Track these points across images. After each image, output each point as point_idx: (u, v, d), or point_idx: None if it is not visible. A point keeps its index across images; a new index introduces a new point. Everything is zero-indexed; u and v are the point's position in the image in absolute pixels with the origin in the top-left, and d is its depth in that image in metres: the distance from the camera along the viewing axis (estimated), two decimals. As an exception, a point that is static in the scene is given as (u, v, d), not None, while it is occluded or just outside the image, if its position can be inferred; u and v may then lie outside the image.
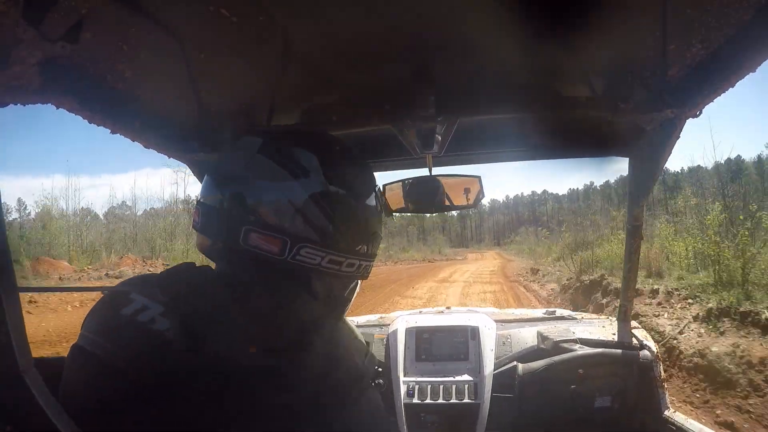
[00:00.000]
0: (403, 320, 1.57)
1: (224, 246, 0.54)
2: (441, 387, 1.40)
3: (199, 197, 0.58)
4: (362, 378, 0.51)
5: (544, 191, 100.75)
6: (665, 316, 5.52)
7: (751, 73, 0.75)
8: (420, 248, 47.42)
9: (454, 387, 1.39)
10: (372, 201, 0.61)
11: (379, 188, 0.66)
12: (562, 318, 1.64)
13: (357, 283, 0.64)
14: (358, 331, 0.59)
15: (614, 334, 1.46)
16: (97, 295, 0.63)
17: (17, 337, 0.41)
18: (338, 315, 0.62)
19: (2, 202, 0.44)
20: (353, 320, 1.59)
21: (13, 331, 0.41)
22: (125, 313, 0.49)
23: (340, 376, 0.49)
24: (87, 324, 0.51)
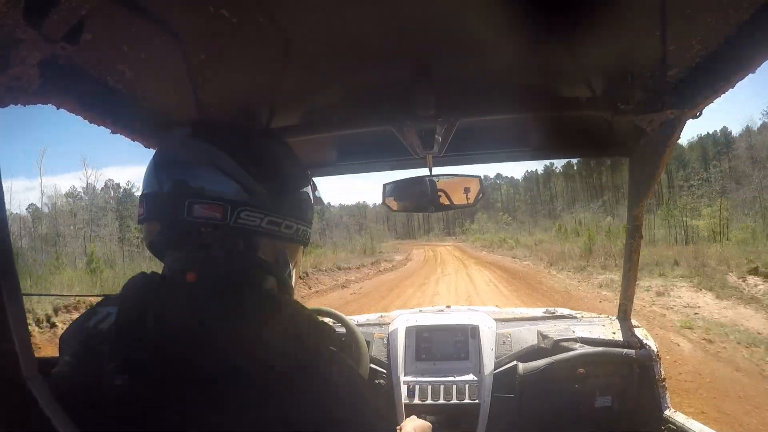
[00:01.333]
0: (403, 319, 1.57)
1: (170, 227, 0.58)
2: (441, 387, 1.40)
3: (142, 192, 0.62)
4: (316, 354, 0.54)
5: (498, 174, 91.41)
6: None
7: (750, 74, 0.75)
8: (347, 245, 31.13)
9: (454, 387, 1.39)
10: (301, 169, 0.68)
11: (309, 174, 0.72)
12: (562, 317, 1.64)
13: (301, 251, 0.69)
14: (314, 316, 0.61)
15: (615, 333, 1.46)
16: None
17: (21, 343, 0.41)
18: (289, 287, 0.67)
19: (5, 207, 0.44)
20: (353, 319, 1.59)
21: (17, 337, 0.41)
22: (88, 325, 0.57)
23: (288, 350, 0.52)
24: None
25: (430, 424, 0.87)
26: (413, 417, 0.96)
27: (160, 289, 0.56)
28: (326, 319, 1.36)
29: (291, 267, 0.67)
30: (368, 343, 1.47)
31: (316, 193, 0.76)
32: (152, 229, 0.60)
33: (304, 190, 0.68)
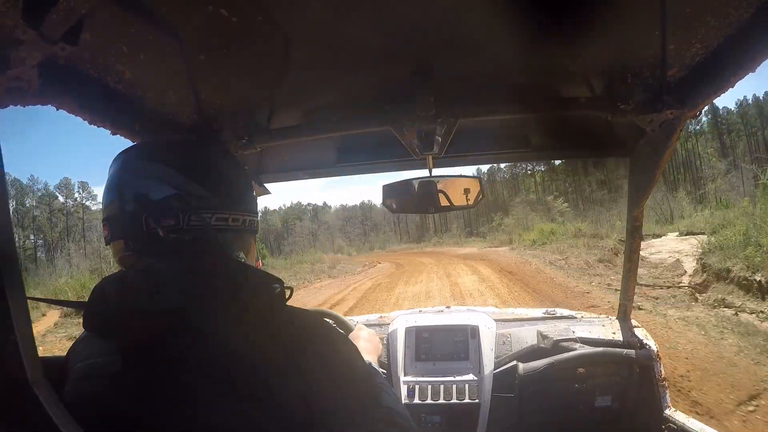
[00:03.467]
0: (402, 319, 1.57)
1: (134, 241, 0.65)
2: (441, 387, 1.40)
3: (102, 218, 0.69)
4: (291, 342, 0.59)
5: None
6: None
7: (750, 73, 0.75)
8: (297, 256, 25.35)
9: (454, 387, 1.39)
10: (237, 167, 0.75)
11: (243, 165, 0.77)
12: (562, 317, 1.64)
13: (252, 239, 0.75)
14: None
15: (614, 333, 1.46)
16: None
17: (26, 346, 0.41)
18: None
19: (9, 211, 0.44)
20: (353, 320, 1.59)
21: (23, 341, 0.41)
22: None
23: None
24: None
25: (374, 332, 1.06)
26: (361, 326, 1.16)
27: (138, 289, 0.59)
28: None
29: (245, 255, 0.73)
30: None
31: (261, 186, 0.82)
32: (119, 247, 0.67)
33: (244, 184, 0.74)
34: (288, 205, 74.01)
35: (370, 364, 0.87)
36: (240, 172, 0.75)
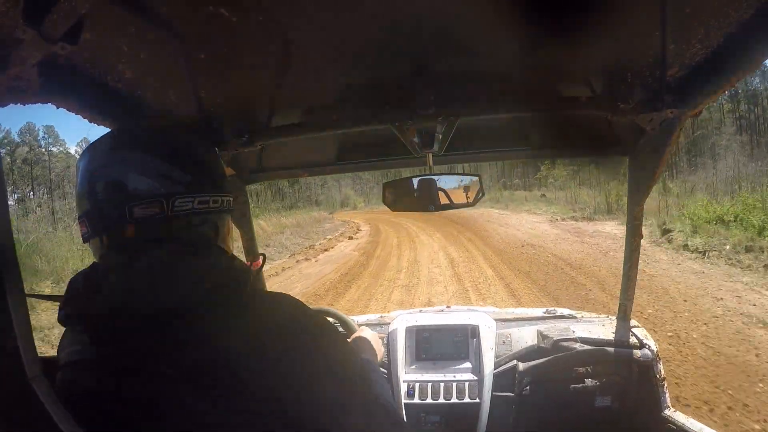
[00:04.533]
0: (402, 319, 1.57)
1: (117, 234, 0.63)
2: (441, 386, 1.40)
3: (78, 215, 0.67)
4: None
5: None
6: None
7: (750, 73, 0.75)
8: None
9: (454, 386, 1.40)
10: (209, 148, 0.74)
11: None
12: (562, 317, 1.64)
13: (228, 218, 0.75)
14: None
15: (614, 333, 1.46)
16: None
17: (25, 344, 0.42)
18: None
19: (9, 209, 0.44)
20: (353, 319, 1.60)
21: (21, 338, 0.41)
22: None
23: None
24: None
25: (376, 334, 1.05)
26: (364, 328, 1.16)
27: (121, 279, 0.59)
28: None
29: (225, 235, 0.74)
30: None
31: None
32: (99, 243, 0.64)
33: (217, 164, 0.74)
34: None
35: (369, 361, 0.87)
36: (212, 153, 0.75)
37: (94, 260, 0.64)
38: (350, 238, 14.03)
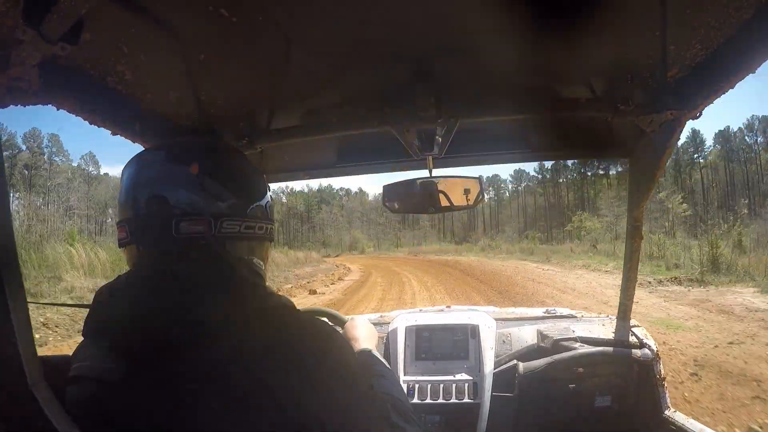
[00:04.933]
0: (402, 319, 1.57)
1: (157, 246, 0.63)
2: (441, 386, 1.40)
3: (118, 220, 0.67)
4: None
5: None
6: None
7: (750, 74, 0.75)
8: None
9: (454, 386, 1.39)
10: (260, 175, 0.75)
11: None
12: (562, 316, 1.64)
13: (269, 246, 0.76)
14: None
15: (614, 333, 1.46)
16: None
17: (26, 350, 0.41)
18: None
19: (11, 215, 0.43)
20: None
21: (23, 345, 0.41)
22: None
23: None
24: None
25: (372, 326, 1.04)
26: (353, 317, 1.15)
27: (151, 291, 0.59)
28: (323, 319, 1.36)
29: (264, 262, 0.74)
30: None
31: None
32: (136, 252, 0.64)
33: (266, 192, 0.74)
34: (316, 188, 63.06)
35: (370, 351, 0.89)
36: (262, 180, 0.74)
37: (119, 273, 0.64)
38: (312, 292, 10.42)
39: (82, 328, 0.60)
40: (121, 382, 0.53)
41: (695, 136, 45.14)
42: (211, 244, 0.63)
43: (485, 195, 1.15)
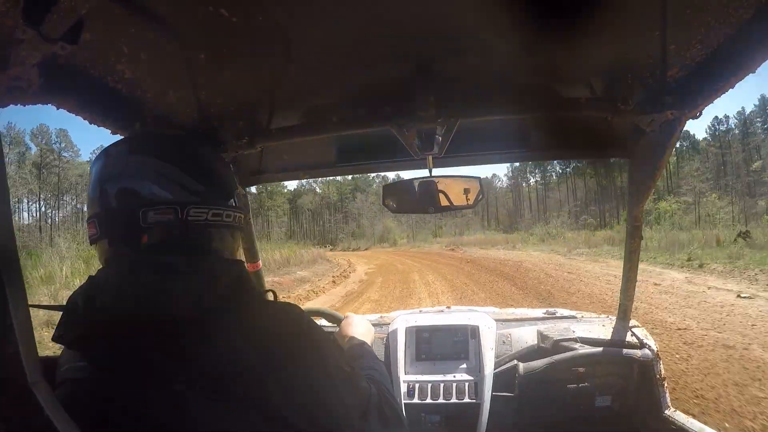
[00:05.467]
0: (402, 319, 1.57)
1: (126, 237, 0.63)
2: (441, 386, 1.40)
3: (87, 216, 0.66)
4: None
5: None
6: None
7: (750, 74, 0.75)
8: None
9: (454, 386, 1.39)
10: (225, 163, 0.75)
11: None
12: (562, 317, 1.64)
13: (239, 234, 0.76)
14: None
15: (614, 333, 1.46)
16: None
17: (26, 349, 0.41)
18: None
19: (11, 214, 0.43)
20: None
21: (23, 344, 0.41)
22: None
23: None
24: None
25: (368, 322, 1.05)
26: (349, 314, 1.16)
27: (121, 289, 0.58)
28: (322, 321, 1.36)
29: (234, 251, 0.74)
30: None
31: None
32: (105, 247, 0.64)
33: (233, 180, 0.74)
34: (351, 176, 53.89)
35: (363, 343, 0.91)
36: (228, 168, 0.75)
37: (89, 274, 0.63)
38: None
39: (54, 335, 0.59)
40: (100, 382, 0.54)
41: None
42: (179, 231, 0.63)
43: (484, 195, 1.15)
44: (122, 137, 0.72)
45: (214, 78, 0.87)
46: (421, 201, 1.15)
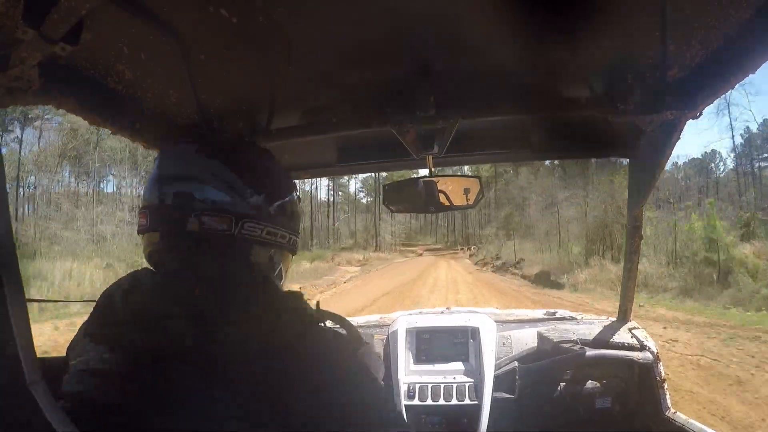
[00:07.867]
0: (403, 320, 1.57)
1: (174, 237, 0.62)
2: (441, 388, 1.40)
3: (141, 206, 0.66)
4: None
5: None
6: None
7: (750, 74, 0.75)
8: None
9: (454, 388, 1.39)
10: (289, 181, 0.74)
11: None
12: (562, 319, 1.64)
13: (290, 258, 0.74)
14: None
15: (614, 335, 1.45)
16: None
17: (25, 349, 0.41)
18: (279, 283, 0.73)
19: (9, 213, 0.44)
20: (353, 320, 1.59)
21: (21, 344, 0.41)
22: None
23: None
24: None
25: None
26: (375, 342, 1.12)
27: (163, 291, 0.59)
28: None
29: (283, 272, 0.72)
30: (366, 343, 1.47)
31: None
32: (153, 240, 0.64)
33: (294, 203, 0.72)
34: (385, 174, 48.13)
35: (376, 379, 0.90)
36: (293, 190, 0.73)
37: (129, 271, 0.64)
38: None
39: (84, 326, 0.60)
40: (123, 377, 0.53)
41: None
42: (230, 243, 0.62)
43: (484, 194, 1.15)
44: (193, 138, 0.73)
45: (214, 78, 0.87)
46: (421, 201, 1.15)
